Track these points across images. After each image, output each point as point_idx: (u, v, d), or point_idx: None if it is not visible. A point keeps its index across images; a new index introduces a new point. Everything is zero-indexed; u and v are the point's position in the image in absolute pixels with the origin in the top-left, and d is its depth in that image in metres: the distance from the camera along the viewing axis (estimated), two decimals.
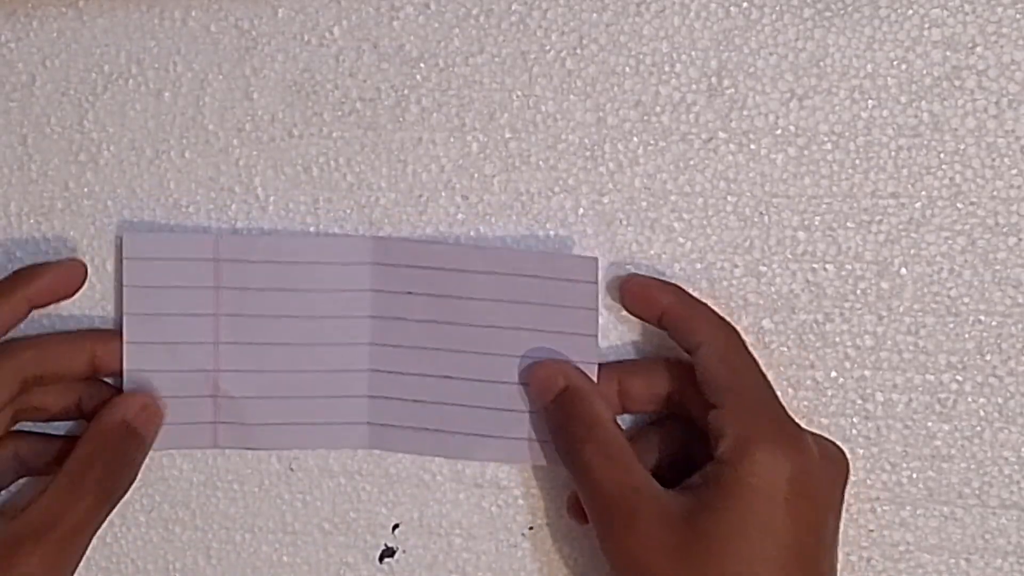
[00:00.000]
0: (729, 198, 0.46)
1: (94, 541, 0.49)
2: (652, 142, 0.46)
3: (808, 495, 0.40)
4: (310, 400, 0.47)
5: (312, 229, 0.47)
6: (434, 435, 0.47)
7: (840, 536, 0.43)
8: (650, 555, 0.40)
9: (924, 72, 0.45)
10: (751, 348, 0.44)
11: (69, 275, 0.46)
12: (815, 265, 0.46)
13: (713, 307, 0.45)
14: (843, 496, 0.43)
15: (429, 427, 0.46)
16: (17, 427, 0.46)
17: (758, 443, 0.40)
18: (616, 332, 0.47)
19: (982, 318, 0.46)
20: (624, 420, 0.46)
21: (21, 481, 0.47)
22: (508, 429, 0.46)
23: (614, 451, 0.42)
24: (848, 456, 0.43)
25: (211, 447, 0.47)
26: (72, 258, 0.47)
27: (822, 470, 0.41)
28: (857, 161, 0.46)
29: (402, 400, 0.46)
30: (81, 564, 0.49)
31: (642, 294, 0.45)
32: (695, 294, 0.46)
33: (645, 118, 0.46)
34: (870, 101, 0.45)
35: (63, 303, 0.47)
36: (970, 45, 0.45)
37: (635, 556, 0.40)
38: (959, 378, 0.46)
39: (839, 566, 0.46)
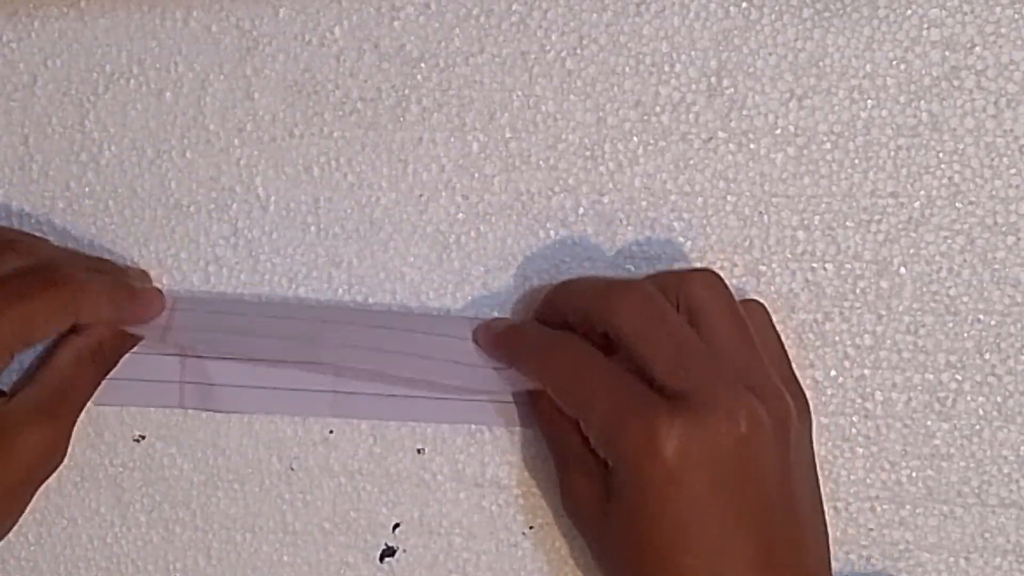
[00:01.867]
0: (729, 198, 0.46)
1: (94, 542, 0.49)
2: (652, 142, 0.46)
3: (685, 467, 0.40)
4: (275, 365, 0.47)
5: (313, 229, 0.47)
6: (397, 400, 0.47)
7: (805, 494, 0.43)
8: (578, 503, 0.44)
9: (923, 72, 0.45)
10: None
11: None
12: (814, 264, 0.46)
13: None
14: (752, 445, 0.40)
15: (394, 393, 0.47)
16: None
17: (617, 448, 0.41)
18: None
19: (981, 317, 0.46)
20: None
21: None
22: (468, 390, 0.47)
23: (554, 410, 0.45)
24: (761, 411, 0.41)
25: (177, 407, 0.48)
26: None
27: (693, 438, 0.40)
28: (856, 161, 0.46)
29: (367, 369, 0.47)
30: (82, 564, 0.49)
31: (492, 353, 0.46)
32: None
33: (645, 118, 0.46)
34: (869, 101, 0.45)
35: None
36: (969, 45, 0.45)
37: (569, 500, 0.44)
38: (958, 377, 0.46)
39: (839, 565, 0.46)
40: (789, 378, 0.44)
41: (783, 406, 0.41)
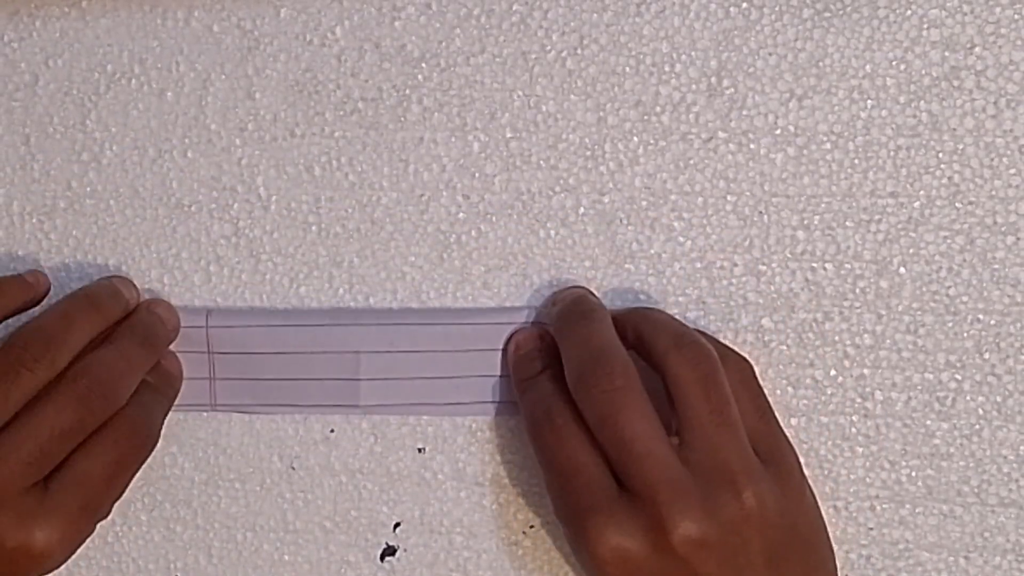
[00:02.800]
0: (729, 197, 0.46)
1: (95, 540, 0.49)
2: (652, 142, 0.46)
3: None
4: (303, 355, 0.47)
5: (314, 228, 0.47)
6: (423, 383, 0.47)
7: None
8: None
9: (923, 72, 0.45)
10: (741, 348, 0.45)
11: (34, 287, 0.47)
12: (814, 264, 0.46)
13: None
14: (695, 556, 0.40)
15: (419, 376, 0.47)
16: None
17: (570, 543, 0.42)
18: None
19: (980, 317, 0.46)
20: None
21: None
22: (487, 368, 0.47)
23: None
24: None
25: (209, 408, 0.48)
26: (33, 270, 0.48)
27: (624, 545, 0.40)
28: (856, 161, 0.46)
29: (391, 352, 0.47)
30: (83, 563, 0.49)
31: None
32: (695, 293, 0.47)
33: (645, 118, 0.46)
34: (869, 101, 0.46)
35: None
36: (968, 45, 0.45)
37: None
38: (958, 376, 0.46)
39: (839, 563, 0.46)
40: (770, 443, 0.43)
41: (745, 507, 0.41)
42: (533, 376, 0.45)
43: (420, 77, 0.47)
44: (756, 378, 0.44)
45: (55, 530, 0.41)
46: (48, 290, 0.47)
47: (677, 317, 0.46)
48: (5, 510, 0.41)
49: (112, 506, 0.44)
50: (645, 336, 0.43)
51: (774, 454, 0.43)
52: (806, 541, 0.43)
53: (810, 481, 0.47)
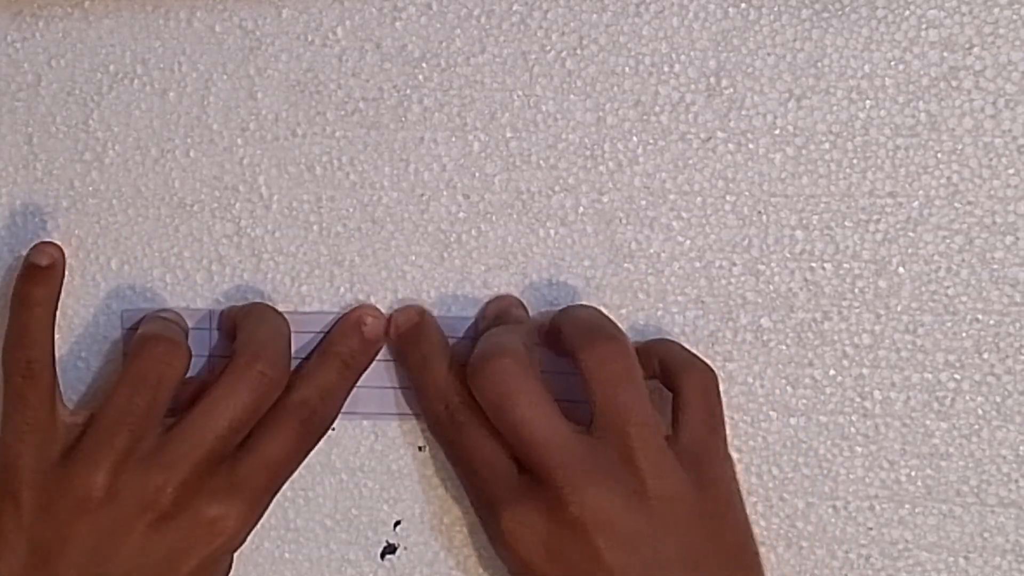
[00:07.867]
0: (728, 197, 0.46)
1: None
2: (651, 142, 0.46)
3: (524, 552, 0.41)
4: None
5: (315, 228, 0.48)
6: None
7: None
8: None
9: (921, 72, 0.45)
10: (745, 345, 0.45)
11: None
12: (813, 264, 0.46)
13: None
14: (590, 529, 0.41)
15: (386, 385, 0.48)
16: None
17: (488, 536, 0.44)
18: None
19: (980, 317, 0.46)
20: None
21: None
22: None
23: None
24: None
25: None
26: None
27: (525, 523, 0.41)
28: (855, 160, 0.46)
29: (387, 362, 0.48)
30: None
31: None
32: (694, 292, 0.47)
33: (644, 118, 0.46)
34: (868, 101, 0.46)
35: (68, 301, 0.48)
36: (967, 46, 0.45)
37: None
38: (957, 376, 0.46)
39: (838, 564, 0.46)
40: (702, 452, 0.43)
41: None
42: (422, 364, 0.46)
43: (421, 77, 0.47)
44: (717, 391, 0.44)
45: (241, 506, 0.43)
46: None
47: (676, 316, 0.46)
48: (198, 486, 0.43)
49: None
50: (563, 335, 0.44)
51: (702, 463, 0.42)
52: (732, 556, 0.43)
53: (809, 481, 0.47)
